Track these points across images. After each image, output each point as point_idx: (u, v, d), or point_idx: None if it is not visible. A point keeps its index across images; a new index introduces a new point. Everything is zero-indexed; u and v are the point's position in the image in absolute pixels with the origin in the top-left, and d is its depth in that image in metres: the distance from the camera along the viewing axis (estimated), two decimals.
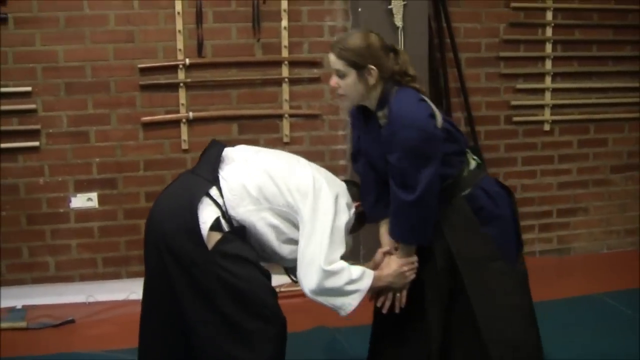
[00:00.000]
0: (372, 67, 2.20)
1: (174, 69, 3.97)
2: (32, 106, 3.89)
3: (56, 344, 3.52)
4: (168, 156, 4.01)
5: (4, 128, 3.89)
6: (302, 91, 4.11)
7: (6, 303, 3.89)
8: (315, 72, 4.09)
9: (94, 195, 3.99)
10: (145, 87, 3.95)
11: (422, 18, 4.07)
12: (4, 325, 3.69)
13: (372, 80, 2.21)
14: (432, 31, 4.21)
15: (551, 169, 4.66)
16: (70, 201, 3.98)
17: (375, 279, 2.30)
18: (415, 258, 2.34)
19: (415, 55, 3.94)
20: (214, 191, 2.25)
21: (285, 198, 2.27)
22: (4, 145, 3.89)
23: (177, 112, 3.99)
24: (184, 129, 3.99)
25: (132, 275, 4.05)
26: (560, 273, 4.50)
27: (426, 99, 2.25)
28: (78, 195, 3.98)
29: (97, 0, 3.89)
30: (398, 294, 2.37)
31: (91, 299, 3.98)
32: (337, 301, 2.25)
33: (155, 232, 2.30)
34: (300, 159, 2.47)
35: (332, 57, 2.24)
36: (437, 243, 2.31)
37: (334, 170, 4.05)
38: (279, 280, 4.01)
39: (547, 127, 4.59)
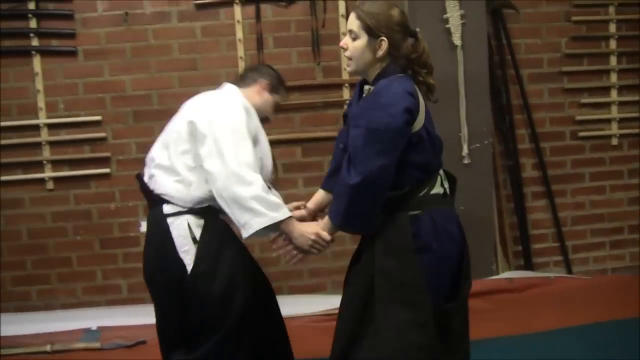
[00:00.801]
0: (384, 38, 2.17)
1: None
2: (102, 134, 4.18)
3: None
4: None
5: (76, 156, 4.19)
6: None
7: (82, 324, 4.11)
8: None
9: None
10: None
11: (481, 36, 4.15)
12: (79, 345, 3.91)
13: (380, 52, 2.18)
14: (491, 48, 4.29)
15: (621, 184, 4.66)
16: (140, 225, 4.22)
17: (289, 222, 2.32)
18: (329, 239, 2.31)
19: (475, 73, 4.07)
20: (167, 207, 2.41)
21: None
22: (76, 172, 4.19)
23: None
24: None
25: None
26: (635, 291, 4.48)
27: (418, 96, 2.19)
28: None
29: (161, 31, 4.16)
30: (295, 252, 2.35)
31: None
32: (241, 216, 2.28)
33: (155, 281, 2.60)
34: None
35: (351, 16, 2.22)
36: (364, 252, 2.27)
37: None
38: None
39: (614, 142, 4.60)
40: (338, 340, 2.35)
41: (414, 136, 2.13)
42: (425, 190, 2.21)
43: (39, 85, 4.12)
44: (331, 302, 4.27)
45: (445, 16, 4.06)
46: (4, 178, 4.17)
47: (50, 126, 4.16)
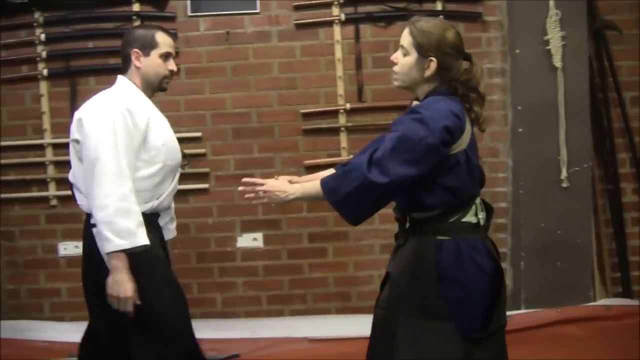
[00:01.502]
0: (433, 59, 2.14)
1: (335, 113, 4.32)
2: (202, 150, 4.36)
3: None
4: None
5: None
6: None
7: None
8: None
9: (259, 235, 4.40)
10: (307, 132, 4.32)
11: (582, 58, 4.18)
12: None
13: (427, 72, 2.16)
14: (592, 70, 4.32)
15: None
16: (236, 241, 4.41)
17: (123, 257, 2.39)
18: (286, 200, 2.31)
19: (576, 95, 4.12)
20: (92, 218, 2.47)
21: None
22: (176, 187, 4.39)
23: (339, 155, 4.32)
24: None
25: (294, 313, 4.40)
26: None
27: (464, 120, 2.15)
28: (244, 235, 4.40)
29: (262, 50, 4.32)
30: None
31: (255, 335, 4.29)
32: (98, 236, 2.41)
33: None
34: None
35: (405, 31, 2.20)
36: (393, 271, 2.28)
37: (495, 214, 4.28)
38: None
39: None
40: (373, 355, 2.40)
41: (451, 158, 2.11)
42: (457, 216, 2.19)
43: None
44: None
45: (545, 37, 4.11)
46: None
47: None
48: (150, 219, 2.57)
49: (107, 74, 4.26)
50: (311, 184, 2.30)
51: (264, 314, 4.41)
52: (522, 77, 4.19)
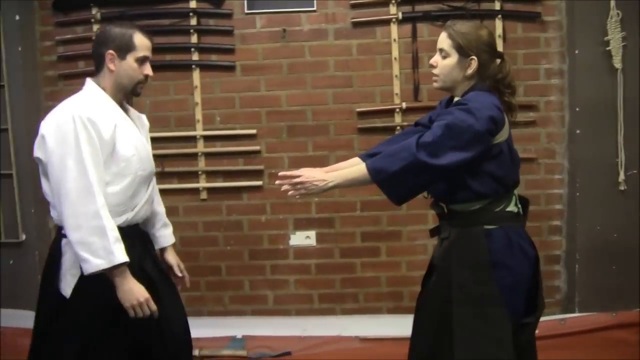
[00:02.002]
0: (474, 58, 2.31)
1: (390, 112, 4.36)
2: (257, 147, 4.43)
3: None
4: (384, 197, 4.38)
5: (230, 168, 4.46)
6: (518, 134, 4.27)
7: (227, 332, 4.38)
8: (531, 115, 4.33)
9: (312, 233, 4.46)
10: (363, 130, 4.37)
11: None
12: (226, 352, 4.16)
13: (469, 71, 2.32)
14: None
15: None
16: (289, 238, 4.48)
17: (118, 272, 2.33)
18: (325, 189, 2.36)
19: (635, 97, 4.11)
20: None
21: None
22: (230, 184, 4.46)
23: None
24: None
25: (346, 312, 4.46)
26: None
27: (503, 113, 2.29)
28: (297, 233, 4.47)
29: (318, 48, 4.38)
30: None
31: (306, 333, 4.36)
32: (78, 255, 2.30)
33: None
34: None
35: (442, 35, 2.36)
36: (441, 263, 2.39)
37: (550, 216, 4.37)
38: None
39: None
40: (421, 354, 2.50)
41: (495, 148, 2.25)
42: (502, 206, 2.33)
43: (198, 98, 4.42)
44: None
45: (606, 38, 4.13)
46: (160, 187, 4.45)
47: (207, 138, 4.45)
48: (127, 233, 2.44)
49: (164, 70, 4.38)
50: (353, 168, 2.42)
51: (315, 312, 4.46)
52: (581, 78, 4.21)
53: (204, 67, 4.41)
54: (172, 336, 2.61)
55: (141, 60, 2.44)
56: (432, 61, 2.39)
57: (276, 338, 4.34)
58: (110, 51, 2.40)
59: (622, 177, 4.19)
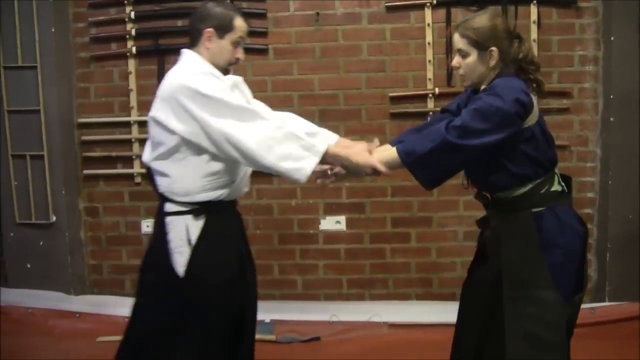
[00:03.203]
0: (494, 48, 2.35)
1: (423, 97, 4.48)
2: None
3: (303, 359, 4.05)
4: (415, 183, 4.53)
5: None
6: (551, 121, 4.34)
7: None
8: (564, 102, 4.44)
9: (342, 218, 4.60)
10: (395, 115, 4.49)
11: None
12: (255, 336, 4.37)
13: (492, 61, 2.37)
14: None
15: None
16: (319, 223, 4.62)
17: (331, 152, 2.42)
18: (384, 172, 2.49)
19: None
20: (168, 206, 2.46)
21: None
22: None
23: None
24: None
25: (375, 297, 4.58)
26: None
27: (531, 95, 2.36)
28: (327, 217, 4.60)
29: (351, 32, 4.49)
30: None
31: (334, 318, 4.48)
32: (284, 173, 2.36)
33: None
34: None
35: (455, 36, 2.41)
36: (492, 250, 2.45)
37: (581, 204, 4.49)
38: None
39: None
40: (468, 341, 2.60)
41: (527, 131, 2.32)
42: (546, 187, 2.39)
43: None
44: None
45: None
46: None
47: None
48: (227, 206, 2.56)
49: None
50: (384, 152, 2.55)
51: (344, 297, 4.59)
52: (616, 66, 4.30)
53: None
54: (254, 313, 2.84)
55: (236, 43, 2.53)
56: (454, 63, 2.46)
57: (305, 323, 4.46)
58: (210, 29, 2.48)
59: None
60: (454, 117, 2.40)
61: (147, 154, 2.52)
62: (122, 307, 4.48)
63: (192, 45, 2.53)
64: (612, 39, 4.28)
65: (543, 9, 4.37)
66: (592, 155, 4.45)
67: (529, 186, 2.39)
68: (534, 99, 2.39)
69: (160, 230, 2.48)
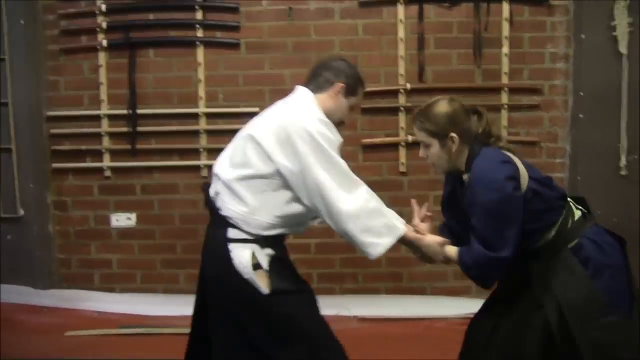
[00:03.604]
0: (453, 135, 2.38)
1: (394, 93, 4.53)
2: None
3: None
4: (385, 178, 4.59)
5: None
6: (521, 118, 4.56)
7: None
8: (535, 99, 4.51)
9: None
10: (366, 110, 4.52)
11: None
12: None
13: (454, 146, 2.39)
14: None
15: None
16: None
17: (407, 236, 2.48)
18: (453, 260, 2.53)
19: (639, 83, 4.35)
20: (232, 232, 2.45)
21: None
22: None
23: (397, 135, 4.55)
24: (402, 152, 4.55)
25: (345, 291, 4.63)
26: None
27: (512, 158, 2.38)
28: None
29: (323, 27, 4.53)
30: None
31: None
32: (361, 244, 2.41)
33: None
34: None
35: (415, 129, 2.47)
36: (546, 297, 2.40)
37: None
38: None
39: None
40: None
41: (527, 192, 2.35)
42: (570, 220, 2.43)
43: (201, 75, 4.57)
44: (475, 306, 4.64)
45: (612, 23, 4.30)
46: (161, 163, 4.69)
47: (209, 115, 4.61)
48: (283, 240, 2.60)
49: (167, 46, 4.54)
50: (453, 251, 2.55)
51: (314, 291, 4.64)
52: (586, 63, 4.38)
53: (208, 44, 4.56)
54: None
55: (351, 108, 2.63)
56: (420, 154, 2.51)
57: None
58: (342, 84, 2.56)
59: (623, 162, 4.38)
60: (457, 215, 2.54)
61: (228, 170, 2.50)
62: (90, 301, 4.54)
63: (314, 90, 2.58)
64: (582, 36, 4.36)
65: (515, 6, 4.44)
66: (562, 152, 4.53)
67: (556, 228, 2.43)
68: (513, 157, 2.42)
69: (223, 259, 2.48)
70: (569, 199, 2.52)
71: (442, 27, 4.48)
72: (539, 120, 4.47)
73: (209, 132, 4.59)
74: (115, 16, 4.57)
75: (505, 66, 4.50)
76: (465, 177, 2.45)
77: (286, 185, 2.42)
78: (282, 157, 2.38)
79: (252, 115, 4.32)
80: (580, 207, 2.51)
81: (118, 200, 4.68)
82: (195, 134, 4.58)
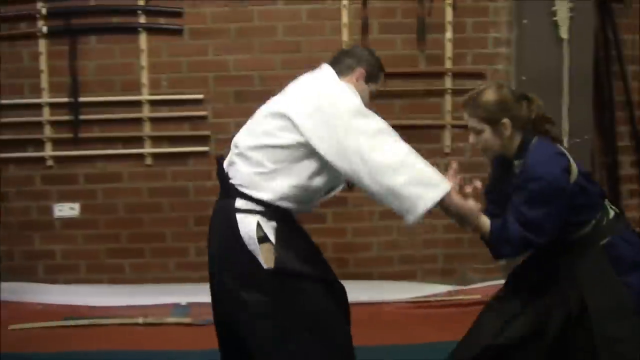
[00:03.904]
0: (505, 120, 2.41)
1: None
2: (203, 113, 4.58)
3: None
4: None
5: (176, 133, 4.61)
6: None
7: (172, 299, 4.54)
8: (479, 83, 4.48)
9: None
10: None
11: (587, 30, 4.44)
12: (171, 319, 4.32)
13: (507, 132, 2.42)
14: (597, 43, 4.59)
15: None
16: None
17: (449, 196, 2.33)
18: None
19: (580, 67, 4.38)
20: (239, 202, 2.44)
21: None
22: (176, 149, 4.62)
23: None
24: None
25: None
26: None
27: (564, 151, 2.44)
28: None
29: (267, 12, 4.53)
30: None
31: None
32: (401, 205, 2.29)
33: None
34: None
35: (465, 116, 2.49)
36: (571, 290, 2.46)
37: None
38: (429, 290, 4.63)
39: None
40: None
41: (575, 186, 2.40)
42: (605, 218, 2.49)
43: (144, 62, 4.54)
44: (421, 290, 4.73)
45: (553, 9, 4.37)
46: (104, 152, 4.66)
47: (152, 103, 4.58)
48: (295, 218, 2.56)
49: (108, 33, 4.51)
50: (486, 224, 2.50)
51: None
52: (528, 48, 4.46)
53: (151, 31, 4.53)
54: None
55: (372, 93, 2.65)
56: (470, 141, 2.51)
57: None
58: (363, 70, 2.60)
59: (565, 144, 4.43)
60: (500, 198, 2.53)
61: (247, 139, 2.50)
62: (34, 293, 4.49)
63: (336, 70, 2.60)
64: (524, 22, 4.43)
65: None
66: None
67: (592, 224, 2.48)
68: (566, 152, 2.45)
69: (230, 229, 2.45)
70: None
71: (386, 13, 4.51)
72: None
73: (153, 120, 4.57)
74: (55, 2, 4.51)
75: (448, 51, 4.55)
76: (516, 163, 2.47)
77: (309, 156, 2.39)
78: (316, 128, 2.35)
79: (196, 102, 4.44)
80: (613, 207, 2.56)
81: (61, 190, 4.63)
82: (138, 121, 4.56)
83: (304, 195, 2.47)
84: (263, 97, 4.41)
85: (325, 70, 2.60)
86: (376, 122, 2.35)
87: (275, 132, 2.40)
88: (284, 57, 4.54)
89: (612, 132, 4.69)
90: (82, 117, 4.55)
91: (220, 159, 2.62)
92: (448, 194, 2.30)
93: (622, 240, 2.48)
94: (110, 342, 3.97)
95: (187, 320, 4.33)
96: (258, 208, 2.41)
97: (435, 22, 4.53)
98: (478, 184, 2.42)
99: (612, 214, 2.53)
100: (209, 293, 4.52)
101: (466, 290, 4.65)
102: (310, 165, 2.41)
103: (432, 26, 4.53)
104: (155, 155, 4.60)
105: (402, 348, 3.70)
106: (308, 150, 2.37)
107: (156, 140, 4.59)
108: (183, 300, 4.53)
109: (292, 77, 4.40)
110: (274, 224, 2.41)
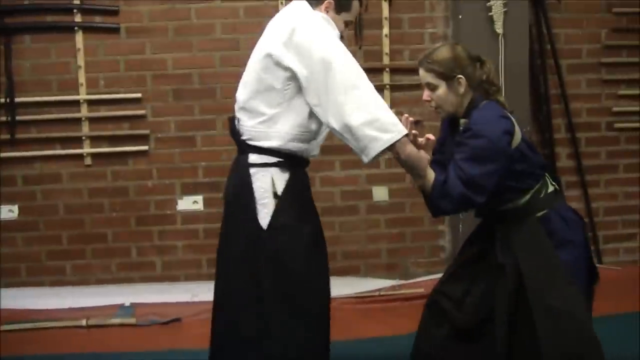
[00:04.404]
0: (461, 76, 2.47)
1: None
2: (142, 112, 4.59)
3: (164, 341, 4.07)
4: None
5: (115, 133, 4.61)
6: (403, 97, 4.69)
7: (115, 300, 4.50)
8: (416, 78, 4.52)
9: (199, 198, 4.66)
10: None
11: (522, 25, 4.55)
12: (115, 321, 4.29)
13: (461, 89, 2.48)
14: (532, 38, 4.70)
15: None
16: (177, 204, 4.69)
17: (403, 143, 2.38)
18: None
19: (516, 61, 4.49)
20: (253, 157, 2.51)
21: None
22: (115, 149, 4.61)
23: None
24: None
25: None
26: None
27: (510, 116, 2.48)
28: (185, 197, 4.67)
29: (204, 10, 4.55)
30: None
31: (196, 299, 4.51)
32: (357, 144, 2.37)
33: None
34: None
35: (421, 72, 2.53)
36: (507, 261, 2.50)
37: None
38: (377, 284, 4.71)
39: None
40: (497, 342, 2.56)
41: (516, 151, 2.44)
42: (544, 191, 2.54)
43: (81, 61, 4.53)
44: (365, 285, 4.79)
45: (488, 4, 4.47)
46: (42, 153, 4.64)
47: (90, 102, 4.57)
48: (303, 163, 2.62)
49: (44, 32, 4.49)
50: (430, 177, 2.52)
51: (204, 277, 4.63)
52: (464, 43, 4.52)
53: (87, 29, 4.53)
54: None
55: (347, 23, 2.64)
56: (424, 97, 2.55)
57: (166, 304, 4.48)
58: (331, 1, 2.57)
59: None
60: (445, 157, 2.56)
61: (244, 92, 2.57)
62: None
63: (311, 6, 2.58)
64: (460, 17, 4.52)
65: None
66: None
67: (530, 195, 2.54)
68: (512, 117, 2.50)
69: (243, 182, 2.51)
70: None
71: None
72: (421, 99, 4.52)
73: (91, 120, 4.56)
74: None
75: (386, 47, 4.62)
76: (462, 121, 2.53)
77: (301, 92, 2.45)
78: (295, 59, 2.42)
79: (134, 101, 4.45)
80: (554, 184, 2.62)
81: (6, 192, 4.60)
82: (76, 121, 4.55)
83: (309, 132, 2.54)
84: (202, 95, 4.56)
85: (297, 4, 2.60)
86: (346, 61, 2.41)
87: (263, 75, 2.47)
88: (223, 55, 4.57)
89: (549, 125, 4.79)
90: (18, 117, 4.52)
91: (232, 119, 2.66)
92: (401, 141, 2.37)
93: (557, 216, 2.53)
94: (54, 346, 3.94)
95: (131, 321, 4.31)
96: (271, 160, 2.49)
97: (372, 18, 4.59)
98: (431, 136, 2.47)
99: (551, 188, 2.59)
100: (152, 293, 4.60)
101: (410, 284, 4.69)
102: (305, 102, 2.47)
103: (369, 22, 4.60)
104: (95, 155, 4.60)
105: (347, 344, 3.74)
106: (297, 86, 2.45)
107: (95, 140, 4.59)
108: (127, 300, 4.51)
109: (232, 74, 4.52)
110: (286, 176, 2.49)
